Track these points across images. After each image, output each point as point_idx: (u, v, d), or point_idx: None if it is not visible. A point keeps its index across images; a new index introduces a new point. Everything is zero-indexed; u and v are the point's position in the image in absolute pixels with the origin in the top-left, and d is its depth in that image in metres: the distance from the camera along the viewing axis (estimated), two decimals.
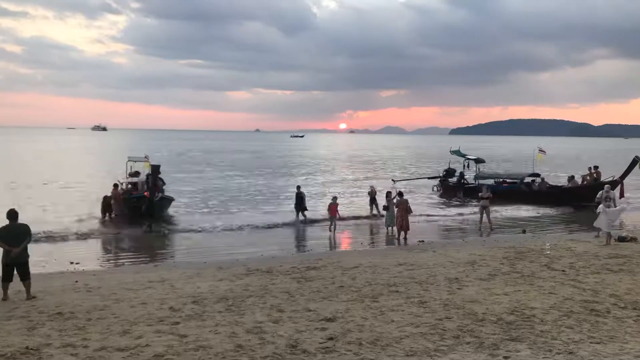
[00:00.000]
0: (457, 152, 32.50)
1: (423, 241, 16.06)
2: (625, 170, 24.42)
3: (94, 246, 16.68)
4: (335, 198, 19.52)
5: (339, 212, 19.22)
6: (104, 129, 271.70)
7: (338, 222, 19.09)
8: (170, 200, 22.36)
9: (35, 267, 12.89)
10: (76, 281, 10.65)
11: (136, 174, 23.60)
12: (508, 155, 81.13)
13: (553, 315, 7.69)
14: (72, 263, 13.49)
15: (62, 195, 28.37)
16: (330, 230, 18.58)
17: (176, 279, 10.63)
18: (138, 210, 19.76)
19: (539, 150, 30.72)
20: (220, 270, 11.71)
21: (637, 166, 23.96)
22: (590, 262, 11.79)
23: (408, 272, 10.94)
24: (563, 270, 10.86)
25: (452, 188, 30.17)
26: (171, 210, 22.46)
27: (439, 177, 33.04)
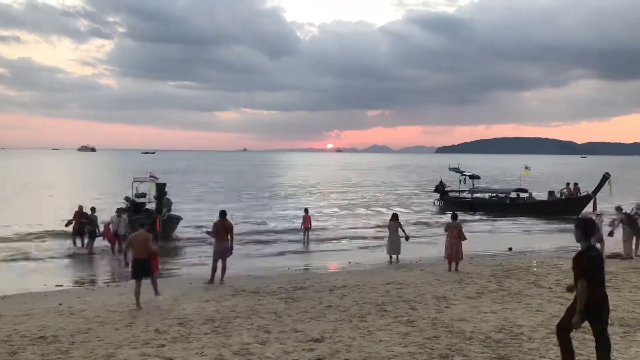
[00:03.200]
0: (456, 169, 35.87)
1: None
2: (597, 186, 27.21)
3: (79, 268, 16.43)
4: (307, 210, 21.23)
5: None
6: (93, 149, 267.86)
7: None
8: (178, 219, 21.79)
9: (18, 289, 12.77)
10: (60, 304, 10.48)
11: (142, 195, 23.06)
12: (497, 172, 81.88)
13: (541, 333, 7.69)
14: (56, 286, 13.29)
15: (55, 215, 27.99)
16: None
17: (162, 300, 10.49)
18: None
19: (525, 167, 35.02)
20: (206, 291, 11.60)
21: (607, 182, 26.91)
22: None
23: (396, 291, 10.92)
24: (550, 288, 10.90)
25: (454, 202, 33.16)
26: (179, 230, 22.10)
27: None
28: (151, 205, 21.86)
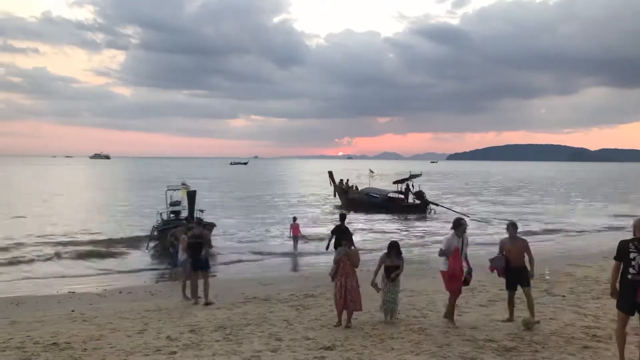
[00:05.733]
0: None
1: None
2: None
3: (92, 274, 16.54)
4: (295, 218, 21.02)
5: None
6: (107, 157, 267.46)
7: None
8: (211, 226, 21.55)
9: (32, 296, 12.89)
10: (72, 310, 10.56)
11: (176, 203, 23.10)
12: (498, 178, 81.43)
13: (554, 342, 7.60)
14: (69, 292, 13.38)
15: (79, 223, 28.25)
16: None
17: (173, 308, 10.53)
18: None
19: (370, 170, 39.97)
20: (217, 298, 11.60)
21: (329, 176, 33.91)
22: (590, 287, 11.73)
23: (407, 298, 10.85)
24: (563, 296, 10.79)
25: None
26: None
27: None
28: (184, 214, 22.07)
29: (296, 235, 20.32)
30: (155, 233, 21.21)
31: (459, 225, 8.54)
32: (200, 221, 13.29)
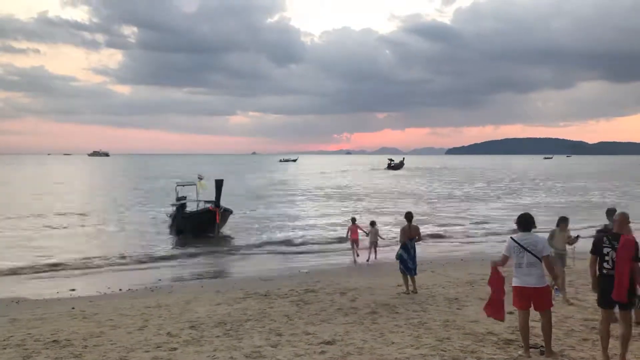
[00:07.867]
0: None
1: None
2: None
3: (92, 272, 16.54)
4: (354, 219, 17.33)
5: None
6: (106, 154, 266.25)
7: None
8: (229, 212, 22.63)
9: (32, 294, 12.90)
10: (72, 308, 10.56)
11: (182, 198, 24.53)
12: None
13: (553, 334, 7.61)
14: (70, 290, 13.39)
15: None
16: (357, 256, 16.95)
17: (173, 304, 10.54)
18: (205, 226, 20.50)
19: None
20: (217, 294, 11.63)
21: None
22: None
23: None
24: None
25: None
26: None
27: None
28: (192, 206, 23.38)
29: (355, 239, 16.95)
30: (171, 222, 23.05)
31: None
32: None
